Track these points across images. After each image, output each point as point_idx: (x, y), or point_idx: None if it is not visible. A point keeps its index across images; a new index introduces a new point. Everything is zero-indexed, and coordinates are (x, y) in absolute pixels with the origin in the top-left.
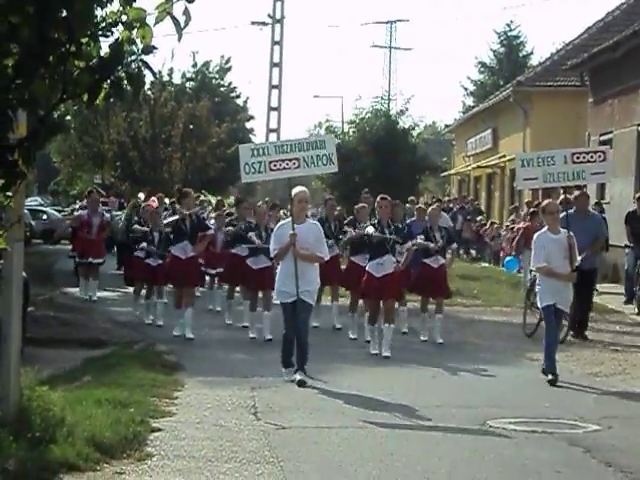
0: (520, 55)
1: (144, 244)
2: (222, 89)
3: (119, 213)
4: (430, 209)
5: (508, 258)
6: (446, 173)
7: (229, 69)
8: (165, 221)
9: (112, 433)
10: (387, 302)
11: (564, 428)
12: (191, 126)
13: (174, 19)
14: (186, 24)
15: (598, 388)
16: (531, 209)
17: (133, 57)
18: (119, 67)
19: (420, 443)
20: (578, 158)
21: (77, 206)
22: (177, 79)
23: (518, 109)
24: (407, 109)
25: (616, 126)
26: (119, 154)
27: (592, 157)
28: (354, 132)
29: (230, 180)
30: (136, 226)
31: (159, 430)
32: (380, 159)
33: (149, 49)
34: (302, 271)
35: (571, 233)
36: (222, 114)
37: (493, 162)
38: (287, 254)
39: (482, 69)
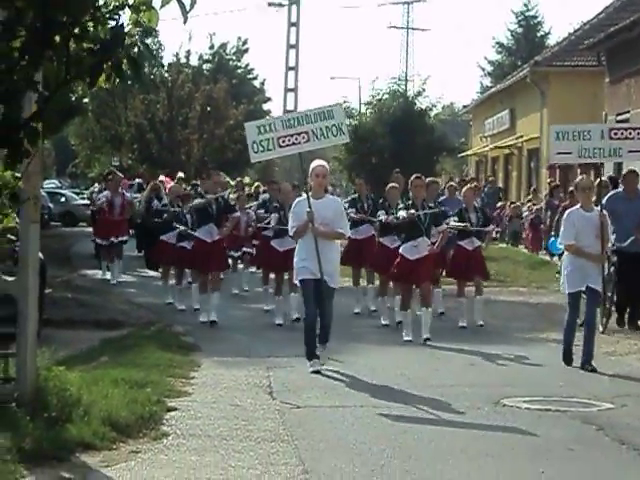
0: (537, 35)
1: (182, 227)
2: (239, 71)
3: (138, 195)
4: (465, 189)
5: (552, 239)
6: (464, 154)
7: (246, 51)
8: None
9: (128, 412)
10: (423, 285)
11: (578, 407)
12: (208, 108)
13: (180, 2)
14: (191, 7)
15: (613, 367)
16: (570, 188)
17: (133, 39)
18: (119, 49)
19: (433, 422)
20: (616, 134)
21: (96, 188)
22: (194, 61)
23: (535, 89)
24: (424, 90)
25: (633, 106)
26: (136, 136)
27: (630, 134)
28: (371, 113)
29: (247, 162)
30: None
31: (175, 409)
32: (397, 140)
33: (149, 32)
34: (322, 250)
35: (604, 211)
36: (239, 96)
37: (510, 142)
38: (306, 232)
39: (499, 49)
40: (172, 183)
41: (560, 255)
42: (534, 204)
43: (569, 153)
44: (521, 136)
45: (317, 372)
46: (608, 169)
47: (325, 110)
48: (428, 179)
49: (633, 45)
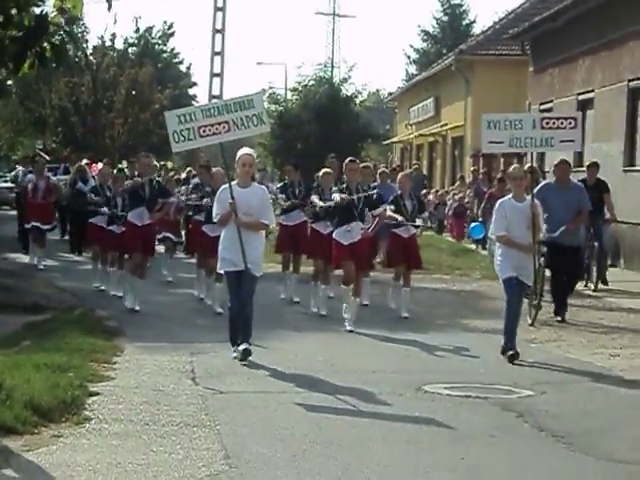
0: (463, 24)
1: (105, 209)
2: (165, 55)
3: (64, 177)
4: (401, 175)
5: (474, 224)
6: (389, 141)
7: (172, 35)
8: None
9: (50, 397)
10: (357, 276)
11: (498, 393)
12: (133, 92)
13: None
14: None
15: (533, 354)
16: (499, 175)
17: (56, 27)
18: (43, 37)
19: (355, 407)
20: (547, 123)
21: (20, 171)
22: (119, 44)
23: (460, 78)
24: (350, 77)
25: (556, 95)
26: (61, 120)
27: (562, 123)
28: (297, 99)
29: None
30: (90, 195)
31: (97, 394)
32: (323, 126)
33: (73, 20)
34: (246, 240)
35: (536, 201)
36: (165, 80)
37: (435, 130)
38: (229, 221)
39: (425, 37)
40: (99, 166)
41: (479, 241)
42: (460, 191)
43: (500, 142)
44: (446, 124)
45: (248, 354)
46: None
47: (245, 99)
48: (362, 164)
49: (557, 35)
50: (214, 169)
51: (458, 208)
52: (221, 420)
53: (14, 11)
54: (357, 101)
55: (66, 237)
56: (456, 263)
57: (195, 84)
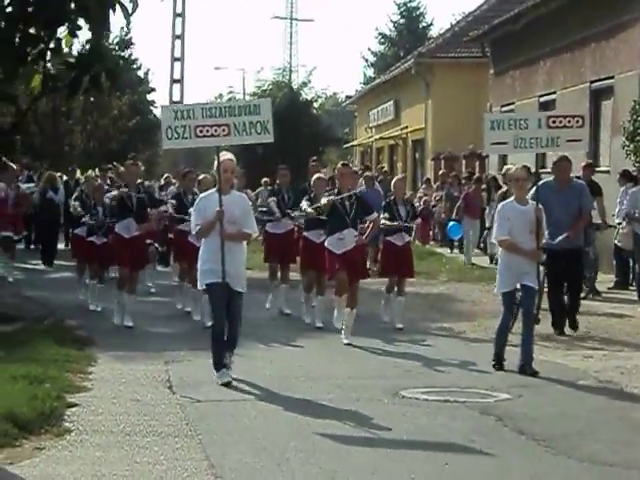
0: (420, 26)
1: (86, 218)
2: (122, 61)
3: (30, 185)
4: (395, 180)
5: (451, 223)
6: (349, 144)
7: (129, 41)
8: (109, 195)
9: (29, 409)
10: (352, 285)
11: (475, 397)
12: (92, 98)
13: (122, 6)
14: (134, 10)
15: (508, 357)
16: (475, 175)
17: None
18: (98, 63)
19: (334, 414)
20: (554, 122)
21: None
22: (73, 52)
23: (420, 80)
24: (310, 81)
25: (517, 97)
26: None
27: (569, 122)
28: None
29: (132, 153)
30: (73, 203)
31: (76, 405)
32: (283, 131)
33: (127, 44)
34: (228, 252)
35: (540, 205)
36: (123, 86)
37: (395, 133)
38: (211, 232)
39: (382, 40)
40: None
41: (454, 242)
42: (426, 194)
43: (504, 143)
44: (406, 127)
45: (227, 384)
46: (493, 161)
47: (252, 104)
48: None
49: (517, 37)
50: (201, 175)
51: (424, 211)
52: (202, 429)
53: (67, 38)
54: (316, 105)
55: (31, 247)
56: (421, 266)
57: (154, 90)
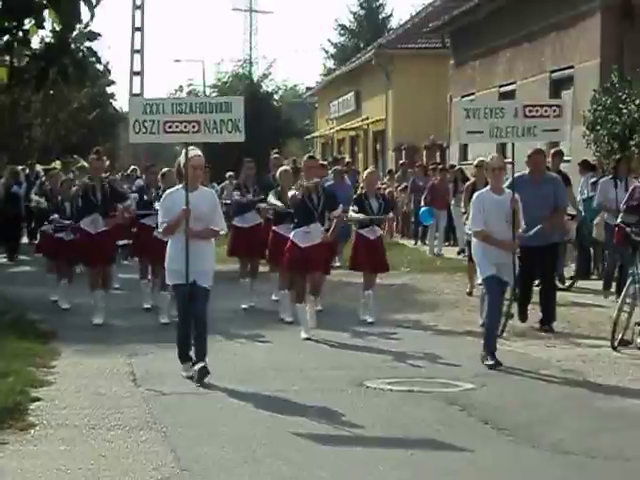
0: (380, 17)
1: (55, 216)
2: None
3: None
4: (367, 173)
5: (423, 208)
6: (310, 136)
7: (97, 33)
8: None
9: None
10: (314, 275)
11: (439, 387)
12: (51, 91)
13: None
14: (97, 2)
15: (471, 346)
16: (440, 166)
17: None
18: (66, 55)
19: (299, 406)
20: (530, 112)
21: None
22: (36, 43)
23: (380, 71)
24: (270, 73)
25: (478, 87)
26: None
27: (546, 111)
28: (217, 96)
29: (92, 146)
30: (34, 197)
31: (39, 399)
32: (244, 123)
33: (94, 36)
34: (195, 248)
35: (516, 195)
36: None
37: (356, 125)
38: (178, 229)
39: (342, 32)
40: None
41: (421, 227)
42: (388, 186)
43: (480, 132)
44: (367, 118)
45: (191, 378)
46: (453, 152)
47: (223, 101)
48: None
49: (477, 28)
50: (164, 169)
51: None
52: (166, 422)
53: (34, 28)
54: (277, 97)
55: None
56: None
57: (113, 82)
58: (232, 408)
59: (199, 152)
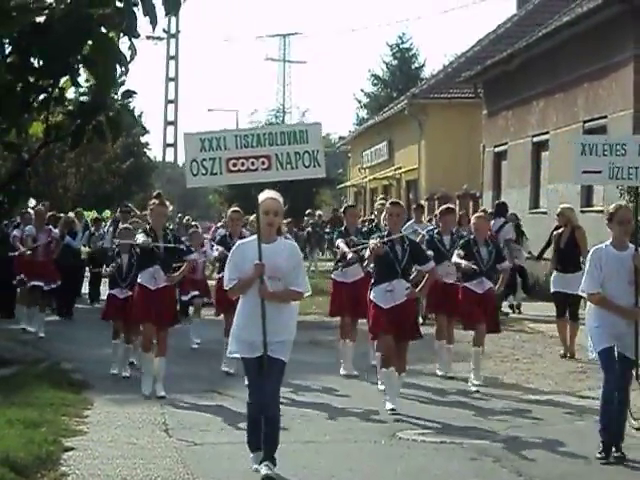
0: (412, 67)
1: (110, 268)
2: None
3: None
4: (475, 218)
5: None
6: (342, 185)
7: (122, 83)
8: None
9: (26, 453)
10: (400, 345)
11: (472, 438)
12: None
13: (122, 54)
14: (132, 58)
15: (503, 398)
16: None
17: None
18: (100, 113)
19: (332, 455)
20: None
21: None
22: (70, 94)
23: (413, 121)
24: (303, 122)
25: (510, 137)
26: (13, 170)
27: None
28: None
29: (126, 195)
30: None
31: (72, 449)
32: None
33: (129, 94)
34: (271, 314)
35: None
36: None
37: (389, 174)
38: (249, 289)
39: (375, 81)
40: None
41: None
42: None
43: (598, 172)
44: (399, 167)
45: (257, 470)
46: (487, 202)
47: (297, 130)
48: (308, 211)
49: (510, 77)
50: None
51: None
52: (199, 473)
53: (69, 87)
54: None
55: None
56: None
57: (147, 132)
58: None
59: (274, 194)
